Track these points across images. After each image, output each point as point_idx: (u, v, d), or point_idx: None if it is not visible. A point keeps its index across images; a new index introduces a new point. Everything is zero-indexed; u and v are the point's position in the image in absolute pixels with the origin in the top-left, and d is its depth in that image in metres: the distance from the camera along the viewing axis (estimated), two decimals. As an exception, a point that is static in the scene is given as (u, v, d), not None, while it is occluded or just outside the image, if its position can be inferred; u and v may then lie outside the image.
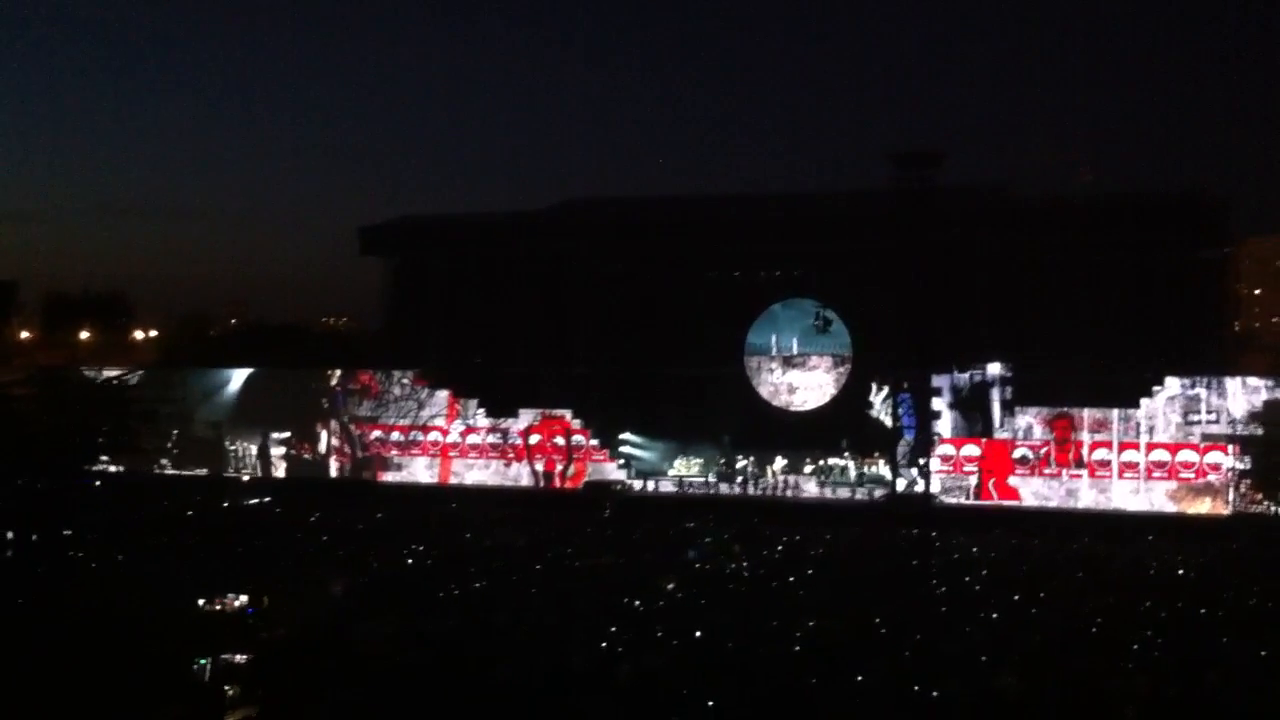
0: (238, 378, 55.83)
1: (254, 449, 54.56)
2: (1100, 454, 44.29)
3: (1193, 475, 43.24)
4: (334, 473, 53.37)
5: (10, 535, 29.85)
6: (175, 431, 54.33)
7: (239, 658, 19.29)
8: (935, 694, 18.46)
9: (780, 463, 48.17)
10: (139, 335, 69.72)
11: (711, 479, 48.45)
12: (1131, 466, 43.95)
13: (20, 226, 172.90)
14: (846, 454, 48.11)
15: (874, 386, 47.81)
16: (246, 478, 53.17)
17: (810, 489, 47.09)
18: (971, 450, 45.59)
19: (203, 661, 18.97)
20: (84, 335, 64.16)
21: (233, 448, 54.93)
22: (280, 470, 54.15)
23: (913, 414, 46.20)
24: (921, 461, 45.77)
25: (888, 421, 46.89)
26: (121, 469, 50.65)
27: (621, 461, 49.92)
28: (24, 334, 64.35)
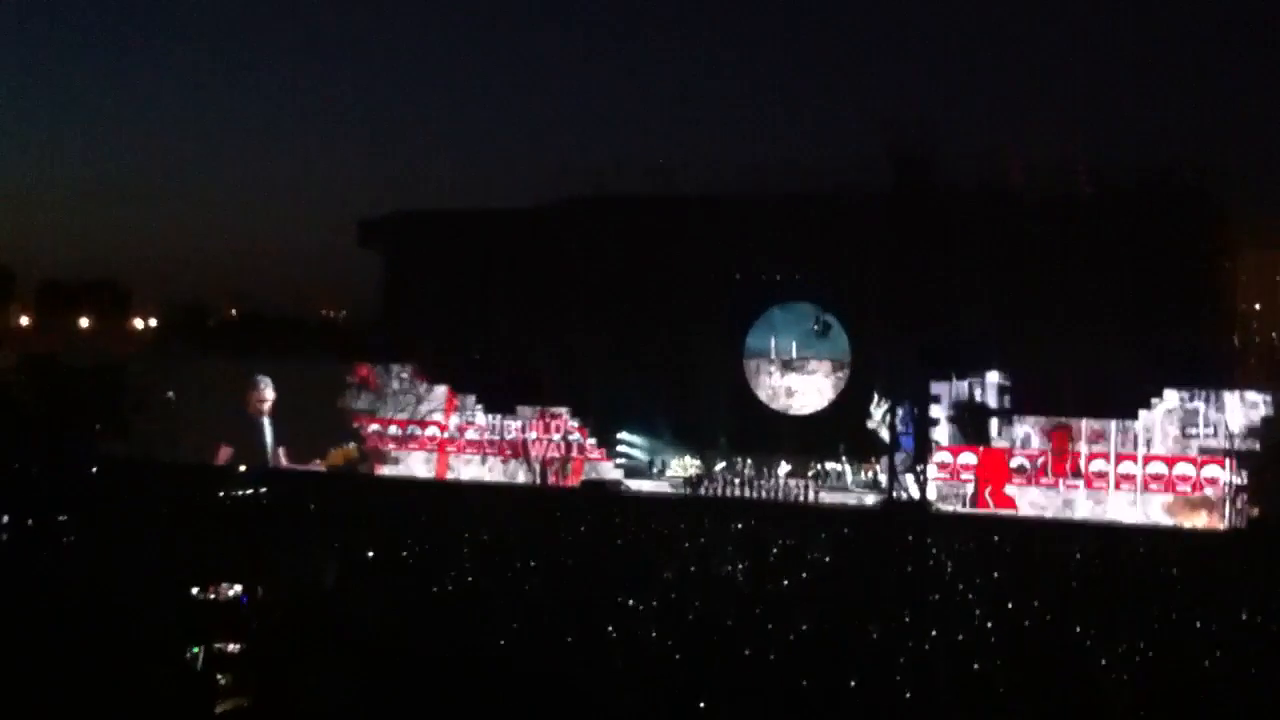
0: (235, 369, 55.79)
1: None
2: (1097, 465, 44.24)
3: (1189, 489, 43.18)
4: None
5: (4, 519, 29.71)
6: (168, 419, 54.24)
7: (232, 646, 19.19)
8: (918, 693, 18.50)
9: (785, 468, 47.85)
10: (138, 324, 69.56)
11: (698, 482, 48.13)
12: (1128, 478, 43.88)
13: (17, 211, 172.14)
14: (844, 458, 48.04)
15: (875, 398, 47.55)
16: (243, 468, 52.97)
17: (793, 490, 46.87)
18: (969, 458, 45.50)
19: (195, 650, 18.88)
20: (82, 323, 64.03)
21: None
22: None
23: (910, 424, 46.04)
24: (918, 468, 45.68)
25: (885, 436, 46.66)
26: (116, 455, 50.48)
27: (619, 460, 49.83)
28: (23, 320, 64.27)
